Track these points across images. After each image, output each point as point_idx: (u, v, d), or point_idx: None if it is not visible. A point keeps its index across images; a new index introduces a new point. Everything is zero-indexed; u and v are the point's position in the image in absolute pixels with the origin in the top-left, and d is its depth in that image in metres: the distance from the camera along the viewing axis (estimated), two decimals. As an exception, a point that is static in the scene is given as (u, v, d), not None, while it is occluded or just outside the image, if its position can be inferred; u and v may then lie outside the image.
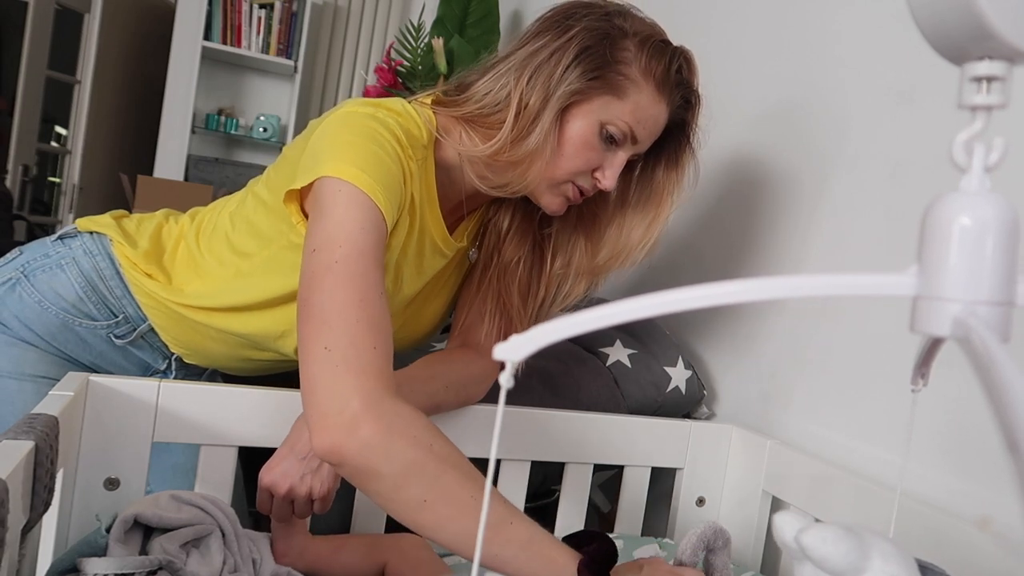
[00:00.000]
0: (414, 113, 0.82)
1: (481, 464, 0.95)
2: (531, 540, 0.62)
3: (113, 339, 0.93)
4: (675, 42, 0.86)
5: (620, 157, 0.85)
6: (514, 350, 0.25)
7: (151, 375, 0.98)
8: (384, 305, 0.66)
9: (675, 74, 0.84)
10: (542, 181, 0.85)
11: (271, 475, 0.72)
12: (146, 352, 0.96)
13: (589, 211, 0.95)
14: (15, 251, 0.94)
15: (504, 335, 0.95)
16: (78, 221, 0.96)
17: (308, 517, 0.76)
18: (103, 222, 0.95)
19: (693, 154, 0.92)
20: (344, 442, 0.59)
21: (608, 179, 0.85)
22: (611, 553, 0.64)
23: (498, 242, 0.97)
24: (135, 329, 0.93)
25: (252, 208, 0.87)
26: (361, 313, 0.62)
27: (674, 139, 0.91)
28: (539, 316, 0.99)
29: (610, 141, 0.83)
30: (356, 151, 0.73)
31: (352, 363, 0.60)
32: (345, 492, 0.91)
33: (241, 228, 0.88)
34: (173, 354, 0.97)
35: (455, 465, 0.62)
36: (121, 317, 0.92)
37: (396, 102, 0.82)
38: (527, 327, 1.00)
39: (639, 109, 0.82)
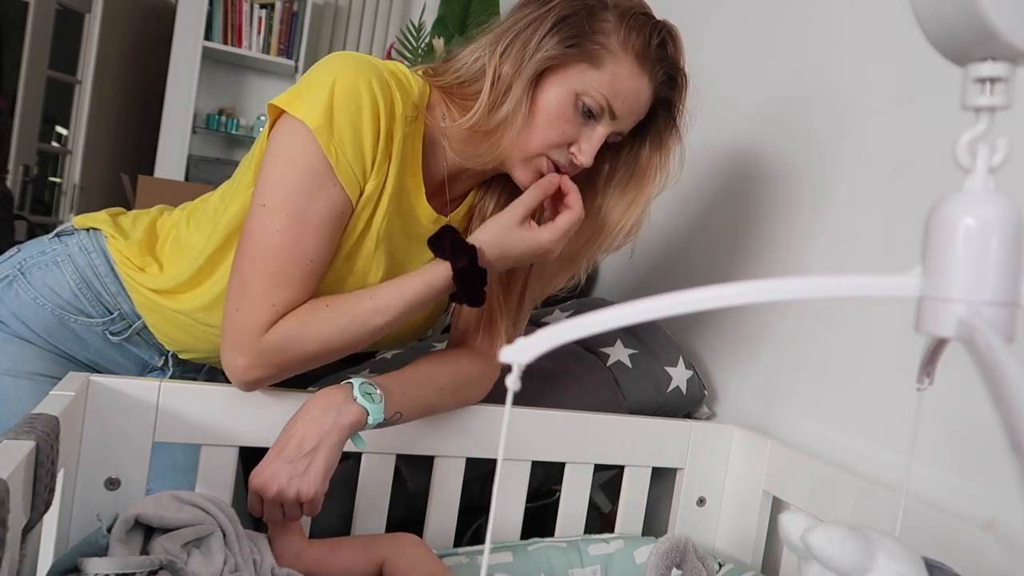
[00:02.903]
0: (409, 74, 0.83)
1: (482, 463, 0.95)
2: (400, 282, 0.80)
3: (109, 336, 0.93)
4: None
5: (598, 132, 0.82)
6: (520, 353, 0.25)
7: (148, 372, 0.98)
8: (309, 269, 0.77)
9: (656, 48, 0.82)
10: (515, 153, 0.83)
11: (260, 478, 0.73)
12: (142, 349, 0.96)
13: None
14: (13, 249, 0.94)
15: (489, 330, 0.95)
16: (75, 218, 0.96)
17: (299, 520, 0.76)
18: (98, 218, 0.95)
19: (679, 136, 0.89)
20: (251, 381, 0.78)
21: (584, 154, 0.83)
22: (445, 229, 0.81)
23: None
24: (130, 326, 0.93)
25: (239, 181, 0.87)
26: (275, 281, 0.75)
27: (659, 119, 0.89)
28: (521, 309, 0.96)
29: (587, 115, 0.81)
30: (331, 103, 0.74)
31: (247, 325, 0.76)
32: (346, 493, 0.91)
33: (228, 202, 0.87)
34: (169, 351, 0.97)
35: (332, 338, 0.78)
36: (116, 314, 0.92)
37: (393, 63, 0.83)
38: (508, 321, 0.99)
39: (617, 81, 0.80)
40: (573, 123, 0.82)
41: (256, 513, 0.75)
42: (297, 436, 0.73)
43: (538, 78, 0.80)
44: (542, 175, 0.85)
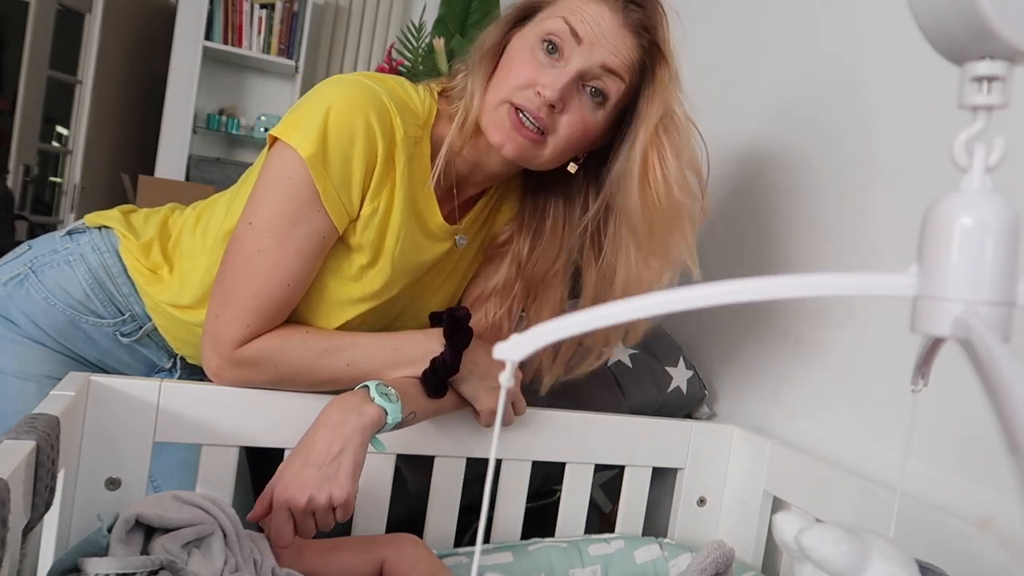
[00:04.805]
0: (413, 92, 0.85)
1: (482, 463, 0.95)
2: (386, 338, 0.85)
3: (119, 337, 0.93)
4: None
5: (569, 69, 0.78)
6: (514, 349, 0.25)
7: (157, 373, 0.98)
8: (287, 292, 0.79)
9: None
10: (484, 110, 0.81)
11: (287, 490, 0.70)
12: (152, 350, 0.96)
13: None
14: (23, 246, 0.94)
15: (497, 320, 0.96)
16: (87, 216, 0.95)
17: (330, 528, 0.72)
18: (111, 216, 0.95)
19: (671, 70, 0.82)
20: (221, 379, 0.81)
21: (548, 88, 0.77)
22: (463, 317, 0.85)
23: (519, 231, 0.97)
24: (141, 327, 0.93)
25: (243, 192, 0.87)
26: (253, 302, 0.78)
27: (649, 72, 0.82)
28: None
29: (552, 50, 0.79)
30: (324, 133, 0.75)
31: (224, 335, 0.78)
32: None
33: (233, 214, 0.87)
34: (178, 354, 0.97)
35: (301, 367, 0.81)
36: (127, 315, 0.92)
37: (400, 80, 0.85)
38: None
39: (573, 12, 0.79)
40: (531, 64, 0.79)
41: (285, 536, 0.70)
42: (322, 442, 0.72)
43: (504, 47, 0.84)
44: (510, 124, 0.79)
